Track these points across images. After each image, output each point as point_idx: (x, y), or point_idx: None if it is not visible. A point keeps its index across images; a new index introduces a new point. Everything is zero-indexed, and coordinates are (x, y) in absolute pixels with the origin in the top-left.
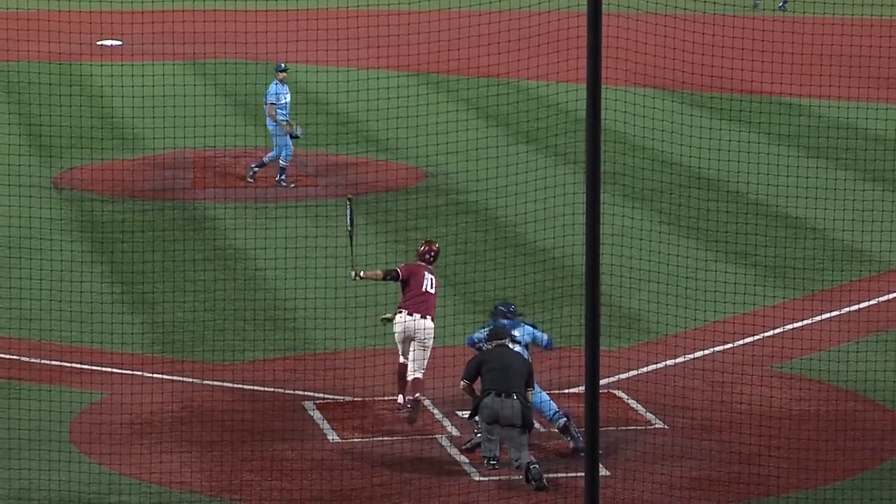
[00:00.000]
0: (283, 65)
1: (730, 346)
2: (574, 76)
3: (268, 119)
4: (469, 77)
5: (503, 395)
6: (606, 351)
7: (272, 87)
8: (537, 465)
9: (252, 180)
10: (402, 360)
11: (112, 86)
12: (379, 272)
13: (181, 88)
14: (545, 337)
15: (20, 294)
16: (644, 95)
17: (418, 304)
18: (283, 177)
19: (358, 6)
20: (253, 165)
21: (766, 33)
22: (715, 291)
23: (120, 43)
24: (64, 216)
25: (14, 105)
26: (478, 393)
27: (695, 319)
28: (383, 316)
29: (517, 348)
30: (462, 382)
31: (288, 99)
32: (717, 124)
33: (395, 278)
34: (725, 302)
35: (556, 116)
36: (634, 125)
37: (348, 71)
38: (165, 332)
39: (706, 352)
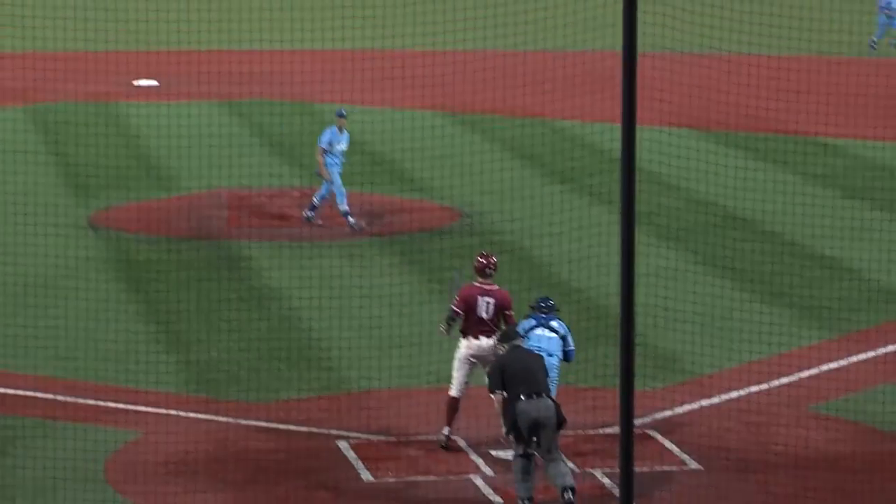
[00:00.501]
0: (343, 110)
1: (765, 386)
2: (609, 116)
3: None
4: (504, 117)
5: (534, 395)
6: (641, 391)
7: (326, 133)
8: (572, 497)
9: (356, 228)
10: (454, 392)
11: (148, 125)
12: (442, 326)
13: (217, 128)
14: (572, 347)
15: (55, 333)
16: (679, 135)
17: (482, 329)
18: (312, 213)
19: (393, 46)
20: (349, 222)
21: (800, 73)
22: (750, 331)
23: (156, 83)
24: (99, 255)
25: (51, 145)
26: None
27: (730, 359)
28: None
29: (554, 337)
30: (497, 396)
31: (344, 147)
32: (752, 164)
33: (455, 317)
34: (761, 342)
35: (590, 156)
36: (669, 165)
37: (383, 111)
38: (200, 371)
39: (742, 392)
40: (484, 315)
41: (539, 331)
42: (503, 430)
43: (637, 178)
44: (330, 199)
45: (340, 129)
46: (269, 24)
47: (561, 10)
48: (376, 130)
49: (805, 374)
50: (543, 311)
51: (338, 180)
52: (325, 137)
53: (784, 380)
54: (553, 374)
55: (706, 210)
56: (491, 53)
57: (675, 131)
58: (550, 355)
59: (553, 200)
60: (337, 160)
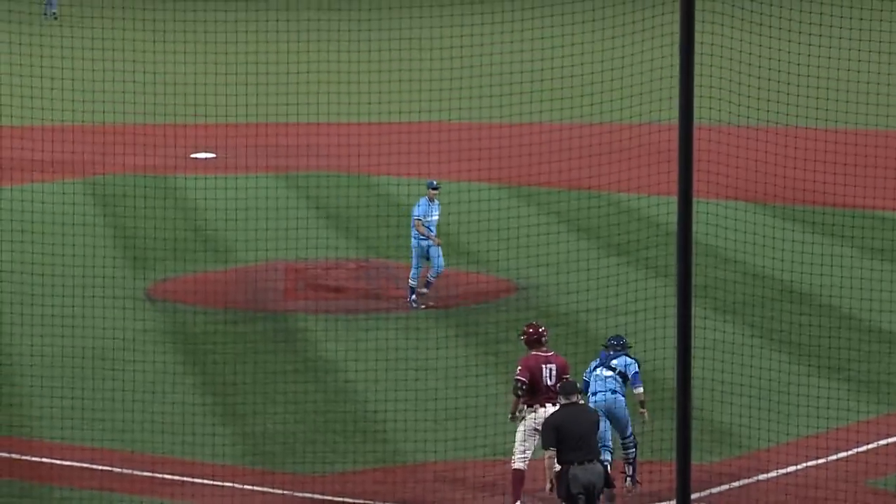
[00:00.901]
0: (434, 182)
1: (822, 461)
2: (665, 189)
3: (413, 237)
4: (560, 189)
5: (586, 461)
6: (697, 465)
7: (420, 205)
8: None
9: (416, 305)
10: (520, 465)
11: (205, 198)
12: (513, 402)
13: (273, 201)
14: (636, 373)
15: (113, 406)
16: (735, 208)
17: (547, 397)
18: (425, 290)
19: (450, 119)
20: (410, 298)
21: (858, 147)
22: (807, 406)
23: (213, 156)
24: (156, 327)
25: (109, 217)
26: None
27: (787, 434)
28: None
29: (610, 376)
30: (549, 453)
31: (436, 218)
32: (809, 237)
33: (523, 388)
34: (818, 416)
35: (647, 229)
36: (726, 238)
37: (440, 183)
38: (256, 443)
39: (798, 467)
40: (549, 382)
41: (599, 371)
42: (547, 486)
43: (693, 251)
44: (440, 268)
45: (432, 200)
46: (326, 98)
47: (617, 84)
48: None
49: (863, 448)
50: (613, 349)
51: (417, 255)
52: (419, 210)
53: (841, 454)
54: (620, 411)
55: (763, 283)
56: (547, 127)
57: (731, 204)
58: (614, 392)
59: (609, 273)
60: (432, 232)
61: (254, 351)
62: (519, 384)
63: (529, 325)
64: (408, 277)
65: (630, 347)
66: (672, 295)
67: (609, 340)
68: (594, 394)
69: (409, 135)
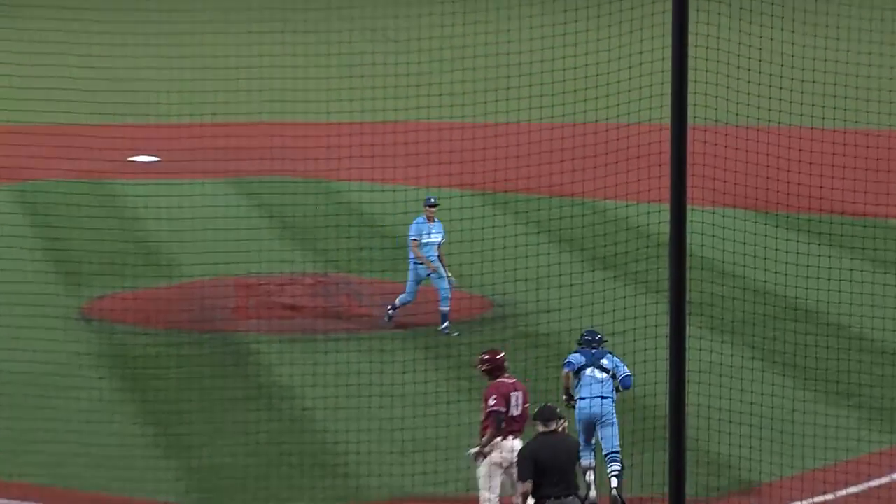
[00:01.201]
0: (432, 199)
1: (831, 496)
2: (657, 195)
3: (409, 259)
4: (541, 196)
5: (563, 497)
6: (693, 499)
7: (415, 224)
8: None
9: (388, 321)
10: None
11: (146, 206)
12: (488, 434)
13: (222, 209)
14: (627, 373)
15: (44, 436)
16: (734, 217)
17: (512, 429)
18: (445, 324)
19: (417, 119)
20: (388, 308)
21: (869, 150)
22: (814, 435)
23: (155, 159)
24: (92, 350)
25: (39, 228)
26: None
27: (791, 467)
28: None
29: (606, 378)
30: (525, 487)
31: (437, 239)
32: (816, 249)
33: (502, 416)
34: (826, 447)
35: (636, 240)
36: (723, 250)
37: (406, 190)
38: (203, 478)
39: (804, 503)
40: (516, 413)
41: (590, 371)
42: None
43: (688, 264)
44: (446, 293)
45: (431, 219)
46: (279, 94)
47: (603, 80)
48: (398, 211)
49: (875, 483)
50: (593, 346)
51: (413, 282)
52: (415, 229)
53: (852, 489)
54: (611, 418)
55: (764, 300)
56: (525, 127)
57: (729, 212)
58: (605, 398)
59: (595, 289)
60: (431, 254)
61: (200, 376)
62: (500, 415)
63: (488, 353)
64: (394, 298)
65: (605, 341)
66: (664, 313)
67: (584, 336)
68: (582, 398)
69: (372, 136)
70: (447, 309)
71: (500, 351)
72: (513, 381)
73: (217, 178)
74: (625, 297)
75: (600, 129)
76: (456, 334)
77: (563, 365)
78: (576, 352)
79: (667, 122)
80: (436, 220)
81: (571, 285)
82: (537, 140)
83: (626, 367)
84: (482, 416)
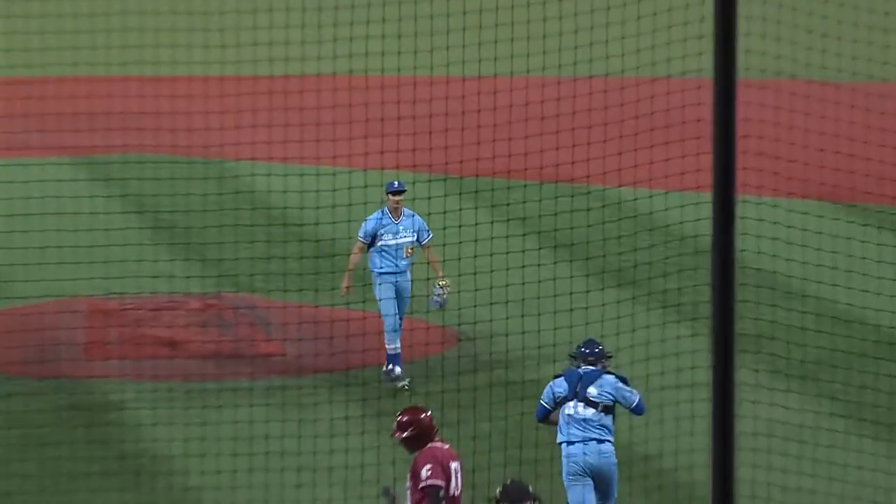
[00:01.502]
0: (396, 183)
1: None
2: (692, 181)
3: (371, 268)
4: (527, 182)
5: None
6: None
7: (370, 219)
8: None
9: (390, 379)
10: None
11: None
12: None
13: (69, 201)
14: (636, 397)
15: None
16: (804, 212)
17: None
18: (390, 366)
19: (352, 71)
20: (386, 367)
21: None
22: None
23: None
24: None
25: None
26: None
27: None
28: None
29: (591, 415)
30: None
31: (407, 238)
32: None
33: (441, 494)
34: None
35: (664, 245)
36: (789, 259)
37: (335, 173)
38: None
39: None
40: (457, 492)
41: (571, 407)
42: None
43: (736, 278)
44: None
45: (395, 213)
46: (150, 38)
47: (616, 16)
48: (322, 203)
49: None
50: (589, 362)
51: (387, 300)
52: (367, 227)
53: None
54: (609, 460)
55: (849, 330)
56: (504, 83)
57: (796, 204)
58: (601, 442)
59: (606, 314)
60: (390, 261)
61: (39, 442)
62: (438, 491)
63: (412, 411)
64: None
65: (611, 357)
66: (702, 349)
67: (579, 349)
68: (570, 444)
69: (285, 96)
70: (396, 346)
71: (424, 409)
72: (447, 446)
73: (60, 156)
74: (648, 327)
75: (612, 87)
76: (406, 381)
77: (537, 413)
78: (560, 375)
79: (707, 75)
80: (405, 212)
81: (572, 309)
82: (522, 102)
83: (632, 392)
84: (409, 496)
